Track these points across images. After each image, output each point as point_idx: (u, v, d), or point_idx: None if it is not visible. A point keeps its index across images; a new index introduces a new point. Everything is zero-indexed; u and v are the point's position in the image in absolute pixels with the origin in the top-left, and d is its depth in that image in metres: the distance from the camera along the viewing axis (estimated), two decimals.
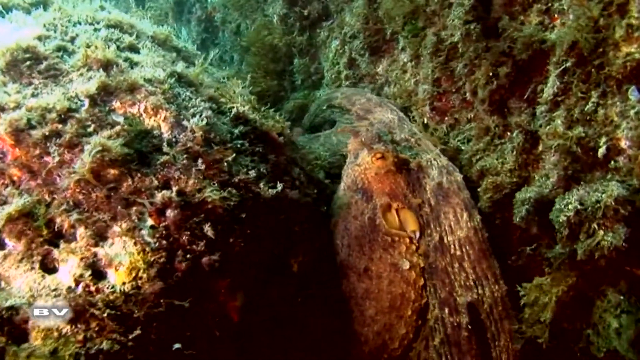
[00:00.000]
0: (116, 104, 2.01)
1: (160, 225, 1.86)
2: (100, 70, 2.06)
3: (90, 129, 1.88)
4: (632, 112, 1.89)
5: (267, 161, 2.31)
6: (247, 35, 4.36)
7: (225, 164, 2.06)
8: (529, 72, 2.28)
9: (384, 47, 3.26)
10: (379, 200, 2.60)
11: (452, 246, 2.44)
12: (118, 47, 2.34)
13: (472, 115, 2.61)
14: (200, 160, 2.00)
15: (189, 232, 1.89)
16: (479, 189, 2.47)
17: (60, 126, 1.84)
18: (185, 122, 2.05)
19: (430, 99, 2.83)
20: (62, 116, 1.87)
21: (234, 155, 2.09)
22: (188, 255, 1.88)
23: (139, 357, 1.74)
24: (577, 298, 2.13)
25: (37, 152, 1.81)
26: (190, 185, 1.94)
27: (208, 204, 1.94)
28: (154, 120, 2.03)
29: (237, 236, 2.03)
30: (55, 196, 1.79)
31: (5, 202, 1.79)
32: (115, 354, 1.70)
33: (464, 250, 2.42)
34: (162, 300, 1.79)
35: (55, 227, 1.78)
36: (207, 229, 1.92)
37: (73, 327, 1.66)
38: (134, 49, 2.43)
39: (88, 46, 2.14)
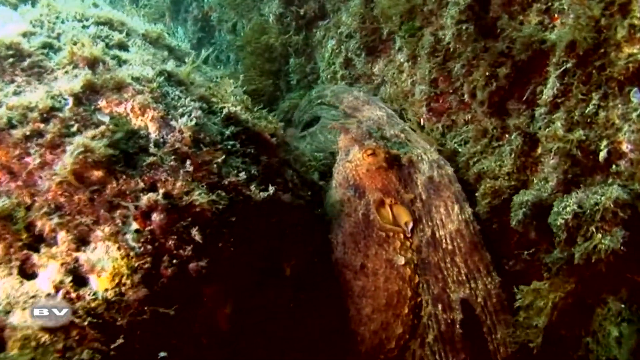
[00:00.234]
0: (102, 103, 1.95)
1: (146, 229, 1.79)
2: (86, 68, 1.99)
3: (74, 129, 1.81)
4: (634, 114, 1.83)
5: (258, 163, 2.25)
6: (242, 34, 4.30)
7: (215, 165, 2.00)
8: (528, 73, 2.22)
9: (380, 47, 3.20)
10: (371, 196, 2.58)
11: (444, 240, 2.42)
12: (107, 44, 2.28)
13: (469, 117, 2.55)
14: (188, 162, 1.94)
15: (175, 237, 1.83)
16: (477, 194, 2.41)
17: (42, 126, 1.78)
18: (173, 122, 1.98)
19: (427, 100, 2.77)
20: (45, 115, 1.80)
21: (224, 156, 2.02)
22: (174, 261, 1.81)
23: None
24: (576, 304, 2.07)
25: (18, 152, 1.74)
26: (178, 187, 1.87)
27: (196, 207, 1.88)
28: (141, 120, 1.96)
29: (226, 240, 1.97)
30: (35, 199, 1.73)
31: None
32: None
33: (455, 244, 2.39)
34: (146, 308, 1.72)
35: (36, 230, 1.72)
36: (195, 233, 1.86)
37: (52, 336, 1.60)
38: (123, 46, 2.37)
39: (74, 43, 2.07)
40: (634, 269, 1.90)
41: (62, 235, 1.71)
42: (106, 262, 1.72)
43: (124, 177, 1.81)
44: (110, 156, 1.79)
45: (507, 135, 2.36)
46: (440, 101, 2.71)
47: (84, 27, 2.38)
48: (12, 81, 1.91)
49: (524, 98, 2.23)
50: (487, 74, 2.24)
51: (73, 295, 1.66)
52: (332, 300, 2.61)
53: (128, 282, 1.72)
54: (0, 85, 1.88)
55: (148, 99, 1.99)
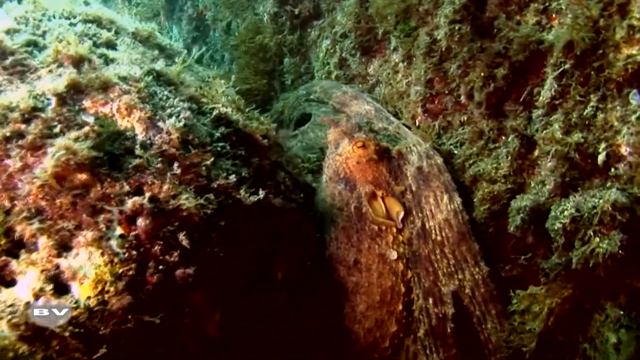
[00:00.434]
0: (87, 103, 1.89)
1: (131, 234, 1.73)
2: (71, 67, 1.94)
3: (57, 130, 1.75)
4: (633, 117, 1.80)
5: (249, 165, 2.20)
6: (237, 33, 4.24)
7: (204, 168, 1.94)
8: (525, 74, 2.18)
9: (375, 47, 3.15)
10: (362, 188, 2.55)
11: (434, 231, 2.40)
12: (94, 43, 2.22)
13: (465, 118, 2.50)
14: (176, 164, 1.88)
15: (161, 242, 1.77)
16: (474, 199, 2.37)
17: (23, 126, 1.72)
18: (161, 123, 1.93)
19: (422, 101, 2.73)
20: (26, 116, 1.74)
21: (213, 159, 1.97)
22: (160, 267, 1.75)
23: None
24: (574, 310, 2.02)
25: None
26: (165, 190, 1.81)
27: (183, 211, 1.82)
28: (128, 121, 1.90)
29: (214, 245, 1.91)
30: (15, 202, 1.67)
31: None
32: None
33: (443, 234, 2.37)
34: (130, 316, 1.66)
35: (15, 236, 1.66)
36: (182, 238, 1.80)
37: (31, 346, 1.54)
38: (111, 45, 2.31)
39: (60, 41, 2.01)
40: (632, 274, 1.85)
41: (42, 240, 1.65)
42: (89, 268, 1.66)
43: (109, 180, 1.76)
44: (94, 158, 1.73)
45: (503, 137, 2.31)
46: (436, 102, 2.66)
47: (71, 24, 2.32)
48: None
49: (521, 99, 2.18)
50: (485, 75, 2.19)
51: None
52: (327, 302, 2.56)
53: (112, 289, 1.66)
54: None
55: (135, 99, 1.93)
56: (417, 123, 2.81)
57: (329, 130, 2.80)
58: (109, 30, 2.40)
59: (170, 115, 1.97)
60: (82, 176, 1.71)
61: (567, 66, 1.93)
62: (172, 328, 1.79)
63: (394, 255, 2.45)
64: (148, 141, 1.89)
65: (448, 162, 2.55)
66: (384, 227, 2.48)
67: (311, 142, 3.21)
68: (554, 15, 2.03)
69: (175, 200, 1.81)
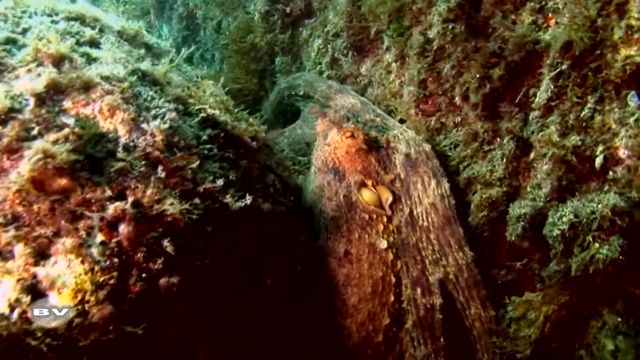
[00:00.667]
0: (67, 103, 1.81)
1: (112, 241, 1.66)
2: (51, 66, 1.86)
3: (35, 132, 1.67)
4: (631, 119, 1.76)
5: (237, 168, 2.13)
6: (228, 32, 4.17)
7: (189, 171, 1.87)
8: (520, 75, 2.13)
9: (367, 47, 3.09)
10: (352, 178, 2.53)
11: (421, 217, 2.37)
12: (77, 41, 2.14)
13: (459, 120, 2.44)
14: (160, 168, 1.81)
15: (145, 249, 1.70)
16: (471, 206, 2.31)
17: None
18: (145, 125, 1.85)
19: (415, 102, 2.67)
20: (2, 117, 1.66)
21: (200, 161, 1.90)
22: (144, 275, 1.68)
23: None
24: (570, 316, 1.98)
25: None
26: (148, 195, 1.74)
27: (168, 216, 1.75)
28: (110, 123, 1.83)
29: (200, 252, 1.85)
30: None
31: None
32: None
33: (429, 219, 2.34)
34: (112, 327, 1.59)
35: None
36: (167, 244, 1.73)
37: None
38: (94, 43, 2.23)
39: (40, 39, 1.93)
40: (630, 280, 1.81)
41: (19, 248, 1.57)
42: (68, 277, 1.58)
43: (90, 184, 1.68)
44: (74, 162, 1.66)
45: (498, 139, 2.26)
46: (429, 103, 2.60)
47: (53, 22, 2.23)
48: None
49: (517, 101, 2.13)
50: (480, 75, 2.14)
51: (30, 314, 1.52)
52: (319, 304, 2.51)
53: (92, 299, 1.59)
54: None
55: (118, 99, 1.85)
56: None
57: (317, 122, 2.78)
58: (92, 28, 2.32)
59: (155, 117, 1.90)
60: (62, 181, 1.63)
61: (564, 67, 1.88)
62: (156, 339, 1.71)
63: (383, 244, 2.42)
64: (131, 143, 1.82)
65: (442, 164, 2.49)
66: (374, 216, 2.45)
67: (297, 138, 3.20)
68: (550, 15, 1.98)
69: (159, 205, 1.74)
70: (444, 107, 2.52)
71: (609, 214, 1.65)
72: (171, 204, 1.73)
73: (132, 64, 2.12)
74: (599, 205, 1.69)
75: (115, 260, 1.65)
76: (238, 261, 2.07)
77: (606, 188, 1.82)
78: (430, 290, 2.31)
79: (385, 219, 2.46)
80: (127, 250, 1.68)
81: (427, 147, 2.50)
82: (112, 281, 1.62)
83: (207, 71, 4.01)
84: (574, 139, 1.89)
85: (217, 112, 2.15)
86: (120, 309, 1.63)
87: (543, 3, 2.00)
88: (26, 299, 1.53)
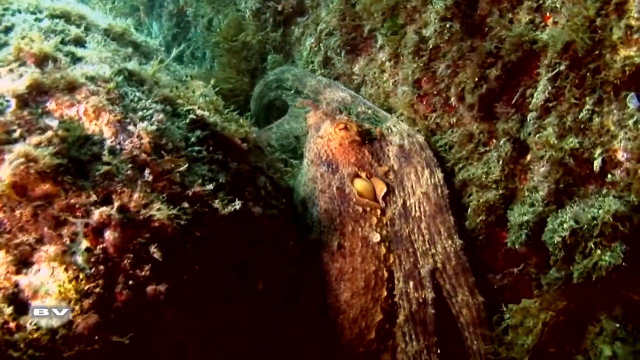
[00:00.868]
0: (51, 105, 1.75)
1: (98, 247, 1.60)
2: (34, 66, 1.80)
3: (16, 135, 1.61)
4: (630, 121, 1.72)
5: (227, 170, 2.08)
6: (218, 31, 4.10)
7: (177, 174, 1.82)
8: (517, 75, 2.08)
9: (361, 45, 3.04)
10: (345, 170, 2.50)
11: (413, 208, 2.35)
12: (62, 40, 2.08)
13: (454, 120, 2.39)
14: (147, 171, 1.75)
15: (131, 255, 1.64)
16: (468, 210, 2.27)
17: None
18: (131, 127, 1.80)
19: (409, 102, 2.62)
20: None
21: (188, 164, 1.84)
22: (130, 282, 1.63)
23: None
24: (567, 321, 1.94)
25: None
26: (135, 199, 1.69)
27: (155, 221, 1.69)
28: (95, 125, 1.77)
29: (189, 257, 1.80)
30: None
31: None
32: None
33: (422, 208, 2.32)
34: (97, 337, 1.54)
35: None
36: (154, 250, 1.67)
37: None
38: (80, 42, 2.17)
39: (23, 38, 1.87)
40: (629, 285, 1.78)
41: (0, 256, 1.52)
42: (51, 285, 1.53)
43: (74, 189, 1.62)
44: (58, 166, 1.60)
45: (494, 140, 2.22)
46: (424, 103, 2.55)
47: (37, 20, 2.17)
48: None
49: (513, 101, 2.09)
50: (476, 76, 2.09)
51: (12, 325, 1.46)
52: (313, 305, 2.47)
53: (77, 308, 1.54)
54: None
55: (103, 100, 1.80)
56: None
57: (308, 114, 2.75)
58: (78, 26, 2.26)
59: (142, 118, 1.85)
60: (44, 186, 1.57)
61: (561, 67, 1.84)
62: (143, 349, 1.66)
63: (377, 237, 2.39)
64: (117, 146, 1.76)
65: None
66: (368, 209, 2.42)
67: (285, 132, 3.18)
68: (547, 14, 1.94)
69: (146, 210, 1.69)
70: (438, 107, 2.47)
71: (611, 220, 1.62)
72: (158, 209, 1.67)
73: (118, 63, 2.06)
74: (600, 211, 1.65)
75: (101, 267, 1.60)
76: (228, 266, 2.02)
77: (604, 191, 1.79)
78: (422, 284, 2.28)
79: (378, 211, 2.43)
80: (113, 257, 1.62)
81: (421, 138, 2.47)
82: (97, 289, 1.57)
83: (198, 70, 3.93)
84: (572, 141, 1.85)
85: (206, 113, 2.10)
86: (106, 318, 1.58)
87: (540, 2, 1.95)
88: (7, 309, 1.47)
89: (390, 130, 2.56)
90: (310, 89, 3.07)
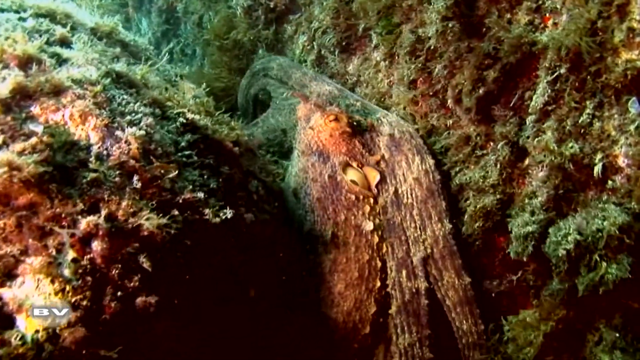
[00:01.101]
0: (35, 110, 1.69)
1: (85, 257, 1.55)
2: (17, 68, 1.73)
3: None
4: (631, 126, 1.68)
5: (219, 175, 2.02)
6: (209, 28, 4.02)
7: (167, 180, 1.76)
8: (515, 77, 2.04)
9: (355, 44, 2.97)
10: (336, 159, 2.47)
11: (405, 195, 2.33)
12: (47, 40, 2.01)
13: (450, 122, 2.34)
14: (136, 178, 1.69)
15: (120, 265, 1.59)
16: (465, 216, 2.22)
17: None
18: (119, 132, 1.74)
19: (405, 102, 2.57)
20: None
21: (178, 171, 1.78)
22: (119, 294, 1.57)
23: None
24: (567, 329, 1.91)
25: None
26: (123, 207, 1.63)
27: (144, 230, 1.64)
28: (82, 130, 1.71)
29: (179, 266, 1.74)
30: None
31: None
32: None
33: (413, 194, 2.30)
34: (85, 351, 1.48)
35: None
36: (143, 260, 1.62)
37: None
38: (65, 42, 2.10)
39: (5, 39, 1.80)
40: (630, 293, 1.75)
41: None
42: (37, 299, 1.47)
43: (60, 197, 1.56)
44: (43, 174, 1.54)
45: (491, 143, 2.17)
46: (419, 104, 2.51)
47: (20, 19, 2.10)
48: None
49: (511, 104, 2.04)
50: (474, 77, 2.04)
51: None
52: (309, 309, 2.44)
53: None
54: None
55: (90, 104, 1.74)
56: None
57: (299, 106, 2.72)
58: (64, 25, 2.20)
59: (130, 123, 1.79)
60: (29, 195, 1.51)
61: (562, 70, 1.80)
62: None
63: (370, 226, 2.36)
64: (105, 152, 1.70)
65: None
66: (360, 197, 2.40)
67: (272, 127, 3.15)
68: (547, 15, 1.89)
69: (135, 218, 1.63)
70: (434, 109, 2.42)
71: (617, 232, 1.58)
72: (148, 218, 1.62)
73: (105, 65, 2.00)
74: (605, 223, 1.61)
75: (88, 278, 1.54)
76: (220, 273, 1.97)
77: (605, 197, 1.75)
78: (415, 274, 2.25)
79: (371, 199, 2.41)
80: (100, 268, 1.57)
81: (411, 128, 2.47)
82: (85, 302, 1.52)
83: (188, 70, 3.85)
84: (571, 147, 1.81)
85: (196, 116, 2.05)
86: (94, 331, 1.53)
87: (540, 2, 1.91)
88: None
89: (380, 121, 2.54)
90: (295, 81, 3.04)
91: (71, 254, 1.53)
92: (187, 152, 1.93)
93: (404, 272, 2.28)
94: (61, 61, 1.92)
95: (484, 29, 2.06)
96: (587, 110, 1.77)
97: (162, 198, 1.73)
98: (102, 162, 1.67)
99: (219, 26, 3.82)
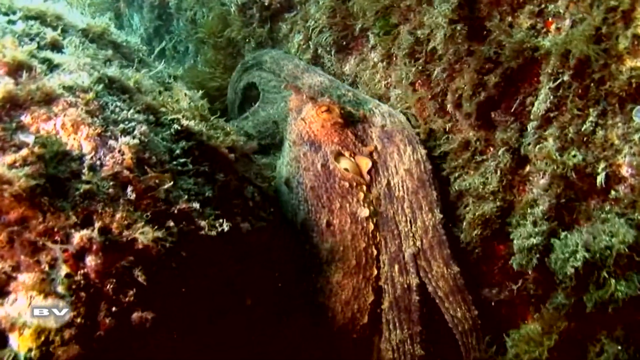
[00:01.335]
0: (26, 119, 1.63)
1: (79, 273, 1.50)
2: (7, 76, 1.67)
3: None
4: (635, 136, 1.66)
5: (214, 182, 1.98)
6: (203, 26, 3.95)
7: (162, 191, 1.71)
8: (516, 82, 2.00)
9: (352, 44, 2.93)
10: (328, 148, 2.47)
11: (397, 187, 2.33)
12: (38, 44, 1.95)
13: (449, 126, 2.31)
14: (130, 189, 1.65)
15: (114, 280, 1.54)
16: (463, 223, 2.19)
17: None
18: (112, 141, 1.69)
19: (402, 105, 2.54)
20: None
21: (172, 182, 1.74)
22: (114, 309, 1.53)
23: None
24: (569, 341, 1.89)
25: None
26: (117, 220, 1.59)
27: (139, 243, 1.59)
28: (74, 139, 1.66)
29: (175, 278, 1.70)
30: None
31: None
32: None
33: (404, 186, 2.30)
34: None
35: None
36: (138, 274, 1.58)
37: None
38: (56, 46, 2.05)
39: None
40: (633, 305, 1.72)
41: None
42: (29, 316, 1.43)
43: (52, 210, 1.51)
44: (34, 187, 1.49)
45: (491, 149, 2.15)
46: (418, 107, 2.47)
47: (9, 22, 2.04)
48: None
49: (512, 110, 2.01)
50: (474, 82, 2.01)
51: None
52: (307, 312, 2.41)
53: (57, 339, 1.44)
54: None
55: (82, 113, 1.69)
56: None
57: (291, 97, 2.70)
58: (54, 28, 2.14)
59: (124, 131, 1.74)
60: (20, 209, 1.46)
61: (565, 77, 1.77)
62: None
63: (365, 212, 2.36)
64: (98, 162, 1.65)
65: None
66: (354, 184, 2.39)
67: (262, 119, 3.13)
68: (550, 20, 1.86)
69: (129, 231, 1.59)
70: (433, 112, 2.38)
71: (627, 251, 1.55)
72: (142, 232, 1.57)
73: (98, 70, 1.94)
74: (614, 240, 1.58)
75: (82, 294, 1.50)
76: (216, 284, 1.94)
77: (607, 208, 1.73)
78: (407, 269, 2.24)
79: (365, 187, 2.41)
80: (95, 283, 1.53)
81: (402, 118, 2.48)
82: (79, 319, 1.48)
83: (182, 70, 3.78)
84: (574, 155, 1.78)
85: (191, 122, 2.00)
86: (89, 348, 1.49)
87: (542, 6, 1.87)
88: None
89: (372, 112, 2.54)
90: (287, 72, 3.04)
91: (64, 270, 1.49)
92: (182, 160, 1.88)
93: (396, 267, 2.27)
94: (52, 67, 1.86)
95: (485, 32, 2.02)
96: (590, 118, 1.75)
97: (156, 209, 1.68)
98: (95, 173, 1.62)
99: (213, 24, 3.76)
